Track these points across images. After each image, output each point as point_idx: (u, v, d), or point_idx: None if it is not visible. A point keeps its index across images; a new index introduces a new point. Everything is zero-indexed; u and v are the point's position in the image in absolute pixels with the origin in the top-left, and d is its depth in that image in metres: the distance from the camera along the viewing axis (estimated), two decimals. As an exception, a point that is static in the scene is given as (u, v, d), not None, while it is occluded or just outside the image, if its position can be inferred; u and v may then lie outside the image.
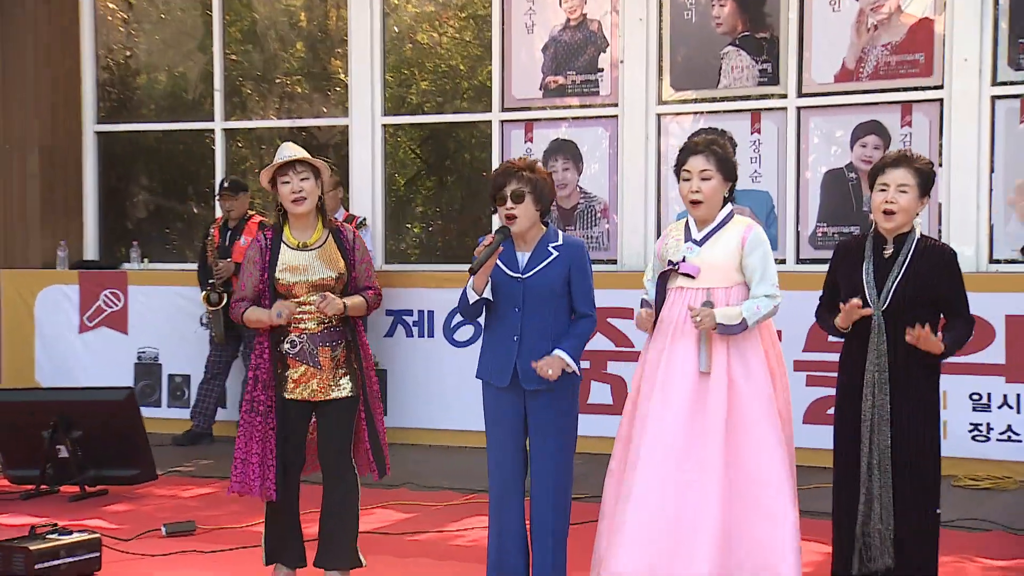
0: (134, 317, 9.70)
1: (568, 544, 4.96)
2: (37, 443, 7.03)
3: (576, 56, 8.91)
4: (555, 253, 4.86)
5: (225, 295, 8.95)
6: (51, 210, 10.30)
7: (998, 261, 7.77)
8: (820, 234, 8.22)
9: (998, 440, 7.40)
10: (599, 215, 8.82)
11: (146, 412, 7.75)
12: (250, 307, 5.09)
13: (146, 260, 10.16)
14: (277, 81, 10.88)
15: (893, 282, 4.69)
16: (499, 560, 4.95)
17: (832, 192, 8.21)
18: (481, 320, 5.04)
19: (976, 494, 6.90)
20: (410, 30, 10.48)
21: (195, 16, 10.71)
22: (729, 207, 4.85)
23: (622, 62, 8.68)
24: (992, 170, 7.79)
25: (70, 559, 5.34)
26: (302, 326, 5.07)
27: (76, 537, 5.40)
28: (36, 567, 5.19)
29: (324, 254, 5.11)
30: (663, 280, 4.81)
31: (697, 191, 4.76)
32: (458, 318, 8.76)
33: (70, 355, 9.79)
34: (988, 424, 7.41)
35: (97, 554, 5.46)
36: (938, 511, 4.77)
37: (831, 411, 7.60)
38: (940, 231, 7.79)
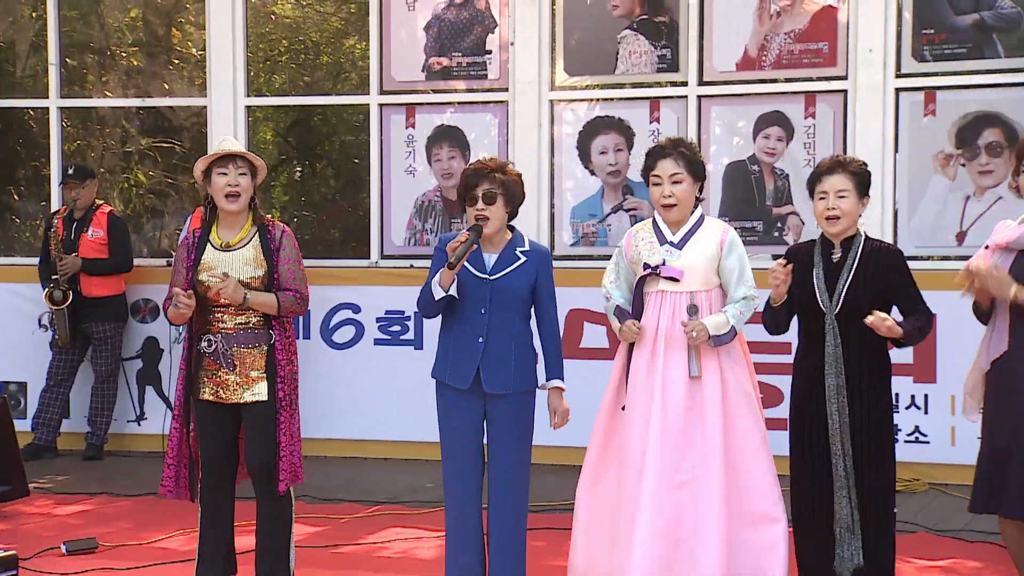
0: (-43, 318, 9.71)
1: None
2: None
3: (462, 36, 9.33)
4: (523, 258, 5.32)
5: (71, 292, 9.12)
6: None
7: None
8: (722, 229, 8.86)
9: (906, 442, 8.18)
10: (487, 207, 9.31)
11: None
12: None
13: (-33, 254, 10.21)
14: (113, 53, 11.01)
15: (844, 285, 5.28)
16: (461, 570, 5.36)
17: (735, 185, 8.84)
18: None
19: (887, 496, 7.65)
20: (268, 2, 10.76)
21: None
22: (700, 207, 5.40)
23: (512, 44, 9.13)
24: (896, 165, 8.57)
25: (-12, 577, 5.60)
26: (219, 325, 5.40)
27: (-6, 553, 5.67)
28: (-44, 586, 5.45)
29: (246, 255, 5.42)
30: (641, 284, 5.33)
31: (670, 195, 5.27)
32: (339, 317, 9.15)
33: None
34: (896, 425, 8.18)
35: (14, 572, 5.70)
36: (895, 510, 5.44)
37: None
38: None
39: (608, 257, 8.89)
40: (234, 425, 5.51)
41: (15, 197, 11.22)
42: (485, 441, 5.44)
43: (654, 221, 5.42)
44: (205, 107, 9.81)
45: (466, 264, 5.29)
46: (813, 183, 5.44)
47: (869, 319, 5.17)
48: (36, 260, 9.56)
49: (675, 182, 5.30)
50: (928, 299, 7.96)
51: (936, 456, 8.16)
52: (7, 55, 10.96)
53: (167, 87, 10.78)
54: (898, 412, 8.18)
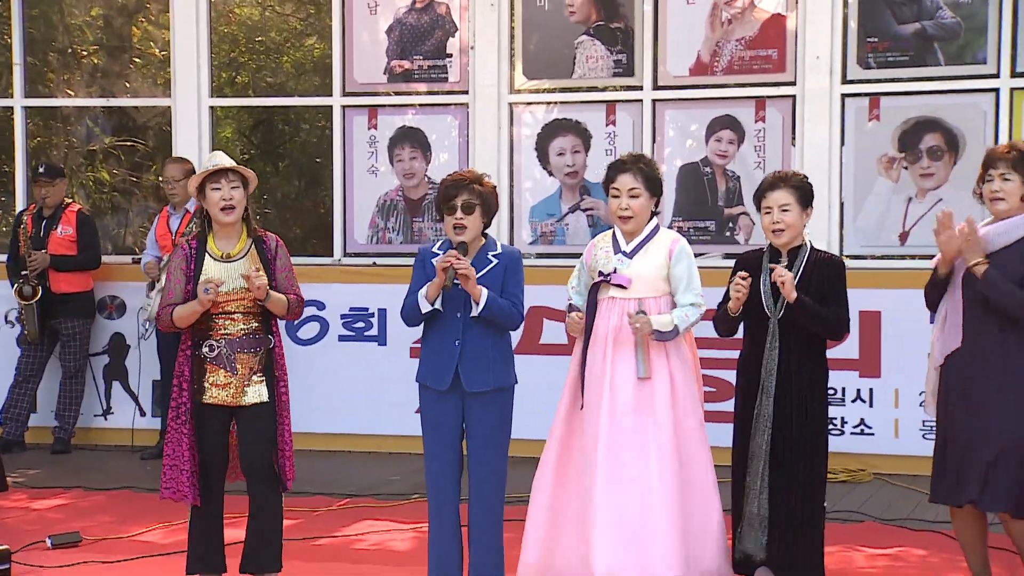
0: (-75, 314, 9.81)
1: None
2: None
3: (423, 40, 9.52)
4: (495, 261, 5.53)
5: (40, 288, 9.25)
6: None
7: (848, 256, 8.87)
8: (675, 228, 9.04)
9: (852, 434, 8.50)
10: (448, 206, 9.55)
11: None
12: (178, 307, 5.57)
13: (-70, 251, 10.27)
14: (75, 51, 11.10)
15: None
16: (439, 561, 5.60)
17: (687, 186, 9.10)
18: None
19: (835, 487, 7.87)
20: (229, 2, 10.90)
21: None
22: (655, 220, 5.65)
23: (473, 48, 9.31)
24: (842, 167, 8.88)
25: (-20, 572, 5.79)
26: (223, 331, 5.58)
27: (-16, 550, 5.87)
28: (-48, 580, 5.65)
29: (246, 265, 5.59)
30: (594, 291, 5.59)
31: (627, 208, 5.51)
32: (303, 314, 9.30)
33: None
34: (843, 418, 8.50)
35: (7, 567, 5.92)
36: (824, 504, 5.69)
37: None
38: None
39: (566, 255, 9.26)
40: (228, 427, 5.70)
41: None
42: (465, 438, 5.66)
43: (614, 231, 5.66)
44: (169, 107, 9.94)
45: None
46: (758, 198, 5.71)
47: (775, 269, 5.47)
48: (3, 257, 9.65)
49: (632, 196, 5.53)
50: (872, 297, 8.39)
51: (880, 447, 8.48)
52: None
53: (128, 85, 10.91)
54: (844, 405, 8.50)
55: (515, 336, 8.58)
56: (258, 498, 5.72)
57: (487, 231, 5.76)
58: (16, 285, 9.25)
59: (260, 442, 5.66)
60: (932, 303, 5.69)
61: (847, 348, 8.34)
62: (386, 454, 9.07)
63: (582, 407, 5.54)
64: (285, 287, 5.73)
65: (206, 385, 5.62)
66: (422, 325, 5.68)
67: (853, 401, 8.53)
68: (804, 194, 5.68)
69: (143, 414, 9.68)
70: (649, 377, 5.45)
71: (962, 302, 5.48)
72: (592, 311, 5.57)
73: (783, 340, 5.59)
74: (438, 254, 5.54)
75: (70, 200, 9.61)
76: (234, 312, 5.60)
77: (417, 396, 5.73)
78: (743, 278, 5.55)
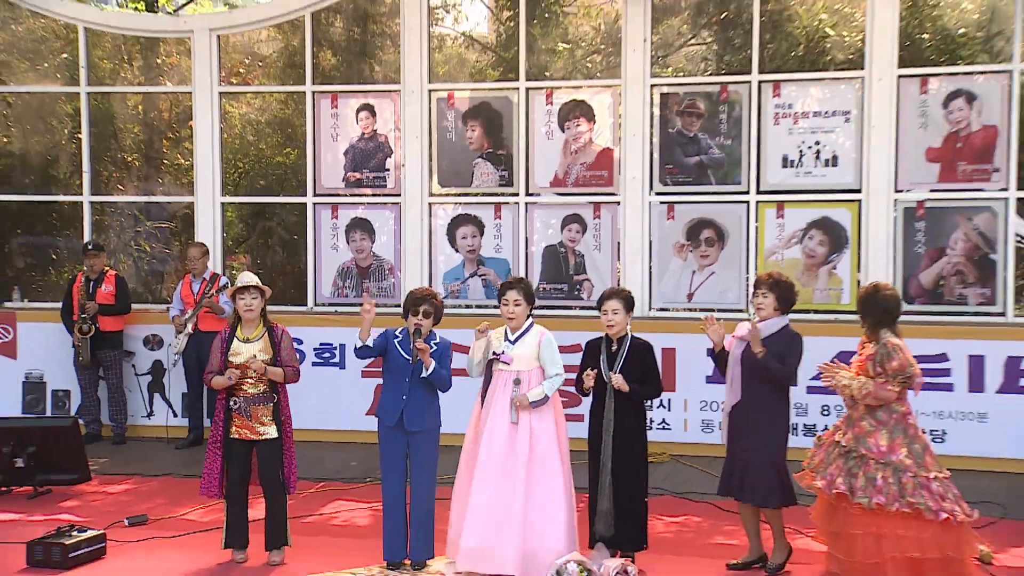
0: (22, 346, 10.66)
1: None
2: (-2, 458, 8.23)
3: (369, 159, 10.67)
4: (435, 347, 6.56)
5: (93, 327, 9.99)
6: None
7: (655, 309, 10.01)
8: (541, 289, 10.35)
9: (657, 428, 9.68)
10: (387, 272, 10.53)
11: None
12: (215, 377, 6.57)
13: (25, 300, 10.95)
14: (121, 158, 11.79)
15: (619, 366, 6.54)
16: (391, 536, 6.69)
17: (548, 262, 10.43)
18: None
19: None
20: (231, 127, 11.68)
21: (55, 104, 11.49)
22: (531, 319, 6.66)
23: (403, 165, 10.45)
24: (651, 250, 10.03)
25: (88, 549, 6.68)
26: (242, 392, 6.67)
27: (89, 533, 6.78)
28: (69, 555, 6.55)
29: (260, 345, 6.75)
30: (490, 364, 6.55)
31: (512, 313, 6.56)
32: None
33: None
34: (651, 419, 9.63)
35: (103, 544, 6.80)
36: (646, 500, 6.66)
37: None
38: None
39: (467, 306, 10.16)
40: (250, 453, 6.78)
41: (53, 256, 11.98)
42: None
43: (506, 326, 6.63)
44: (192, 202, 10.75)
45: (401, 351, 6.54)
46: (599, 303, 6.64)
47: (614, 380, 6.41)
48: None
49: (516, 305, 6.54)
50: (670, 338, 9.44)
51: (675, 438, 9.70)
52: (52, 163, 11.71)
53: (161, 182, 11.65)
54: (652, 410, 9.60)
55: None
56: (270, 497, 6.79)
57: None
58: (76, 325, 10.03)
59: (271, 464, 6.76)
60: (721, 369, 6.56)
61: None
62: (344, 443, 9.96)
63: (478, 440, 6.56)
64: (286, 361, 6.83)
65: (233, 426, 6.57)
66: (383, 381, 6.64)
67: (658, 407, 9.69)
68: (628, 303, 6.57)
69: (175, 415, 10.57)
70: (516, 423, 6.45)
71: (741, 371, 6.32)
72: (488, 378, 6.57)
73: (617, 397, 6.49)
74: (399, 336, 6.59)
75: (108, 267, 10.40)
76: (250, 379, 6.57)
77: (365, 403, 6.60)
78: (590, 373, 6.42)
